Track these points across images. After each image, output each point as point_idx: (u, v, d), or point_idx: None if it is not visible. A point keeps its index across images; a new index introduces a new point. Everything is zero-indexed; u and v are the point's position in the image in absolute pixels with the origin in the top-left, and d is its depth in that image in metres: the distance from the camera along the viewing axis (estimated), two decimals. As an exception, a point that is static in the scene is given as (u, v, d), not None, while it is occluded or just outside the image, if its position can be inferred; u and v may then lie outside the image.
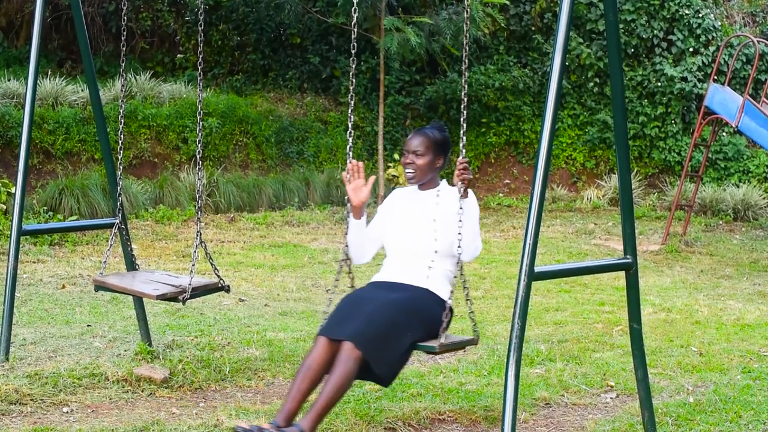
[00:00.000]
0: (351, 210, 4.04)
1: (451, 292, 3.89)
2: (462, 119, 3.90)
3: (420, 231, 4.03)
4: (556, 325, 6.79)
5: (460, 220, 3.80)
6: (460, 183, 3.80)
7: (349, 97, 3.96)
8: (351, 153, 4.04)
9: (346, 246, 4.04)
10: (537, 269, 3.44)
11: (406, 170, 4.11)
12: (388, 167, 14.43)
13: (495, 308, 7.35)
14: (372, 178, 4.03)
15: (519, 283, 3.37)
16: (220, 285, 4.77)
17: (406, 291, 3.91)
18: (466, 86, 3.94)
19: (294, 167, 14.24)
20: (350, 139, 4.05)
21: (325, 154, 14.63)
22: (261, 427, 3.52)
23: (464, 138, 3.81)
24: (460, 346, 3.93)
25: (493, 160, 15.84)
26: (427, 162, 4.09)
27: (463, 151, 3.81)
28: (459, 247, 3.81)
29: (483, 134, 15.77)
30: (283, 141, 14.47)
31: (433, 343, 3.76)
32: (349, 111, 3.98)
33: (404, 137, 14.98)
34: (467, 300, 3.84)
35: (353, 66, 4.01)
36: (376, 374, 3.72)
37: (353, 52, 4.03)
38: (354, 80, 4.01)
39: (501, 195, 15.32)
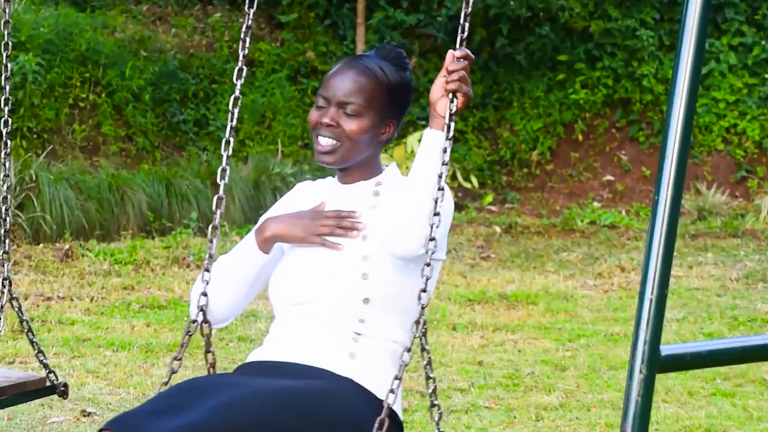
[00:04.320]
0: (258, 234, 4.34)
1: (399, 381, 3.83)
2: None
3: (337, 264, 4.22)
4: (708, 461, 7.30)
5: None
6: (449, 96, 3.90)
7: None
8: None
9: (204, 293, 4.23)
10: (666, 350, 3.45)
11: (320, 137, 4.28)
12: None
13: (585, 426, 7.69)
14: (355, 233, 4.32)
15: (632, 378, 3.38)
16: (49, 383, 5.14)
17: (309, 377, 4.09)
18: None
19: (189, 150, 14.86)
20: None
21: (251, 126, 14.99)
22: None
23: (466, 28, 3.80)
24: None
25: (580, 137, 16.60)
26: (366, 127, 4.21)
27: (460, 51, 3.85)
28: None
29: (560, 86, 16.48)
30: (169, 100, 15.06)
31: None
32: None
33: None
34: (428, 379, 3.90)
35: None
36: None
37: None
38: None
39: (596, 204, 16.04)
